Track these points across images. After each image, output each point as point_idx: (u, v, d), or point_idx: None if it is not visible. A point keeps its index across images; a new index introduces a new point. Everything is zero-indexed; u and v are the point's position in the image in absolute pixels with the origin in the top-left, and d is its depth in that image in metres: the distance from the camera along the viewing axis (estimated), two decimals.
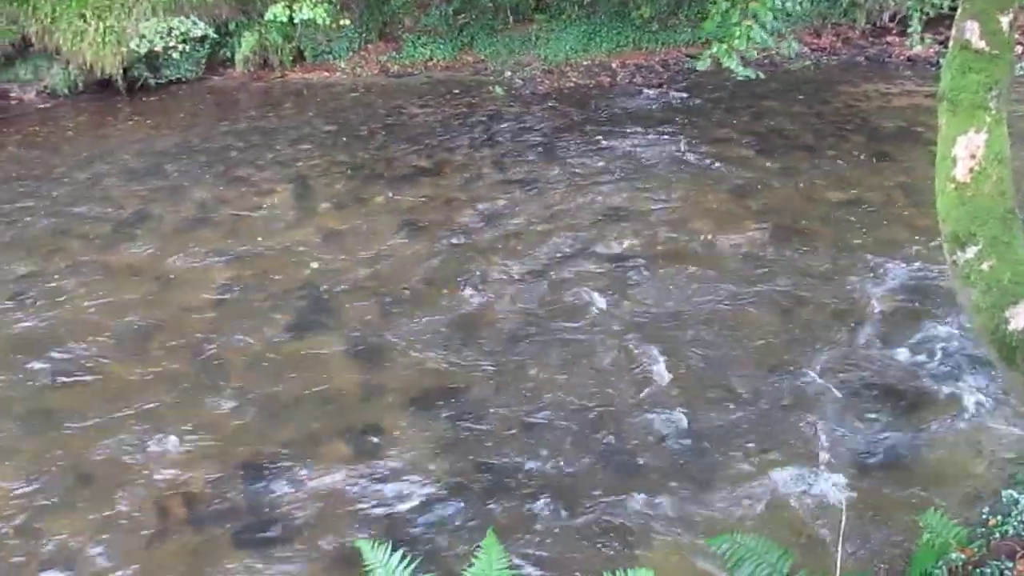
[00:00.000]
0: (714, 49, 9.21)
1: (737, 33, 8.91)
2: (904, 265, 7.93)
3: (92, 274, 8.47)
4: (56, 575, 5.00)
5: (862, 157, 10.66)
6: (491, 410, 6.29)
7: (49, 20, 13.88)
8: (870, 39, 15.99)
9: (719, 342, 6.98)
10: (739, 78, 10.30)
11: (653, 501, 5.38)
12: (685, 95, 13.63)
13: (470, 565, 3.24)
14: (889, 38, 15.80)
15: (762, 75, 9.56)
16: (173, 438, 6.11)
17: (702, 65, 9.59)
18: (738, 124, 12.08)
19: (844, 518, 4.09)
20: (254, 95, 14.89)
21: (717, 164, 10.61)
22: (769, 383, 6.45)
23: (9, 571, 5.02)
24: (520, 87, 14.60)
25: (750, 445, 5.82)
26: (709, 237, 8.71)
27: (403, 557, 3.16)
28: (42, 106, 14.36)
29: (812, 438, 5.86)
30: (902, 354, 6.73)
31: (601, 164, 10.81)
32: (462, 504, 5.41)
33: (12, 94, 14.46)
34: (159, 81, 14.93)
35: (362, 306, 7.73)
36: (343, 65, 15.99)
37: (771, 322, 7.23)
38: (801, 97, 13.18)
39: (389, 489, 5.56)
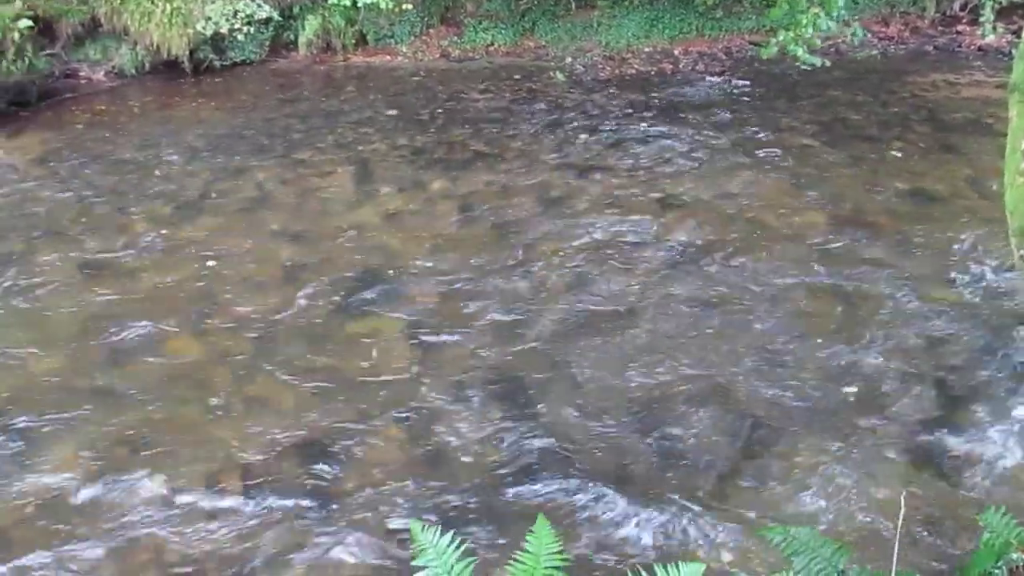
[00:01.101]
0: (780, 37, 9.10)
1: (804, 21, 8.78)
2: (969, 260, 7.77)
3: (155, 252, 8.62)
4: (116, 548, 5.10)
5: (928, 148, 10.46)
6: (546, 398, 6.29)
7: (118, 1, 14.09)
8: (939, 28, 15.65)
9: (777, 331, 6.91)
10: (804, 67, 10.17)
11: (709, 490, 5.35)
12: (748, 83, 13.46)
13: (521, 549, 3.24)
14: (959, 27, 15.44)
15: (828, 63, 9.42)
16: (231, 414, 6.20)
17: (767, 53, 9.48)
18: (801, 113, 11.91)
19: (902, 514, 4.02)
20: (316, 78, 15.01)
21: (779, 153, 10.48)
22: (826, 374, 6.37)
23: (70, 542, 5.13)
24: (581, 73, 14.54)
25: (805, 436, 5.76)
26: (770, 226, 8.61)
27: (453, 539, 3.17)
28: (110, 85, 14.60)
29: (869, 431, 5.77)
30: (965, 351, 6.60)
31: (662, 151, 10.73)
32: (515, 489, 5.42)
33: (81, 73, 14.73)
34: (224, 63, 15.12)
35: (420, 290, 7.77)
36: (405, 49, 16.04)
37: (830, 312, 7.13)
38: (867, 87, 12.96)
39: (442, 471, 5.59)
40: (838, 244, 8.18)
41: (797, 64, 10.11)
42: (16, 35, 12.83)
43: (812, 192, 9.34)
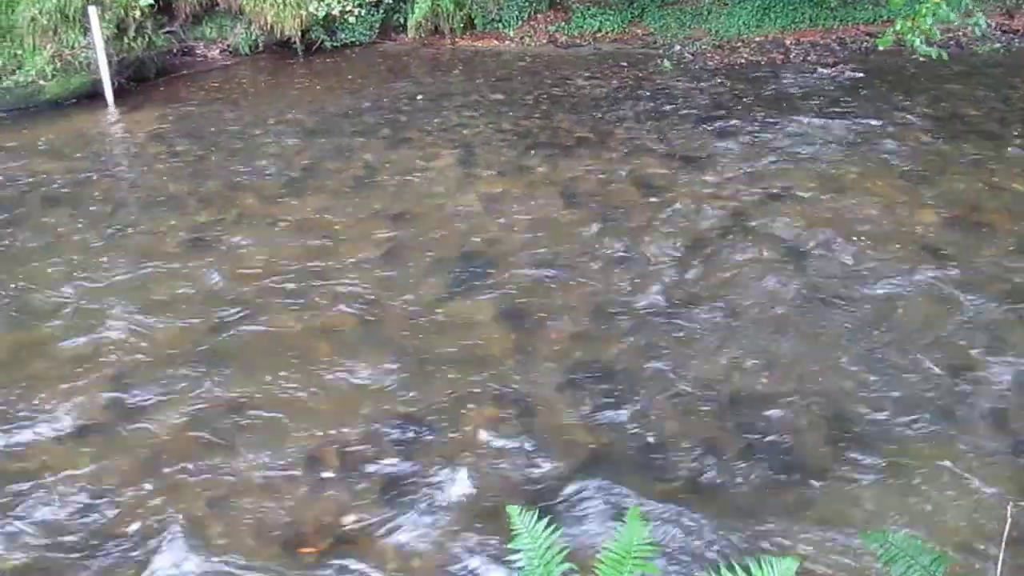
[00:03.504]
0: (898, 27, 8.82)
1: (923, 11, 8.49)
2: None
3: (262, 226, 8.83)
4: (214, 512, 5.25)
5: None
6: (641, 385, 6.24)
7: None
8: None
9: (881, 331, 6.72)
10: (921, 59, 9.86)
11: (804, 491, 5.25)
12: (861, 75, 13.14)
13: (612, 539, 3.23)
14: None
15: (946, 55, 9.12)
16: (330, 389, 6.31)
17: (884, 43, 9.19)
18: (916, 107, 11.57)
19: (1008, 525, 3.89)
20: (424, 61, 15.17)
21: (891, 147, 10.19)
22: (932, 380, 6.16)
23: (171, 506, 5.30)
24: (689, 62, 14.39)
25: (906, 439, 5.60)
26: (878, 222, 8.39)
27: (548, 524, 3.17)
28: (224, 63, 15.06)
29: (975, 437, 5.59)
30: None
31: (768, 143, 10.55)
32: (608, 477, 5.38)
33: (197, 51, 15.22)
34: (334, 44, 15.44)
35: (519, 273, 7.78)
36: (512, 34, 16.11)
37: (940, 316, 6.90)
38: (987, 81, 12.53)
39: (536, 456, 5.59)
40: (950, 243, 7.92)
41: (914, 56, 9.83)
42: (137, 13, 13.33)
43: (925, 189, 9.07)
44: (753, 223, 8.49)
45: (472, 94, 13.07)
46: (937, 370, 6.25)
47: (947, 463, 5.37)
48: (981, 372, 6.20)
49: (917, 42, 8.86)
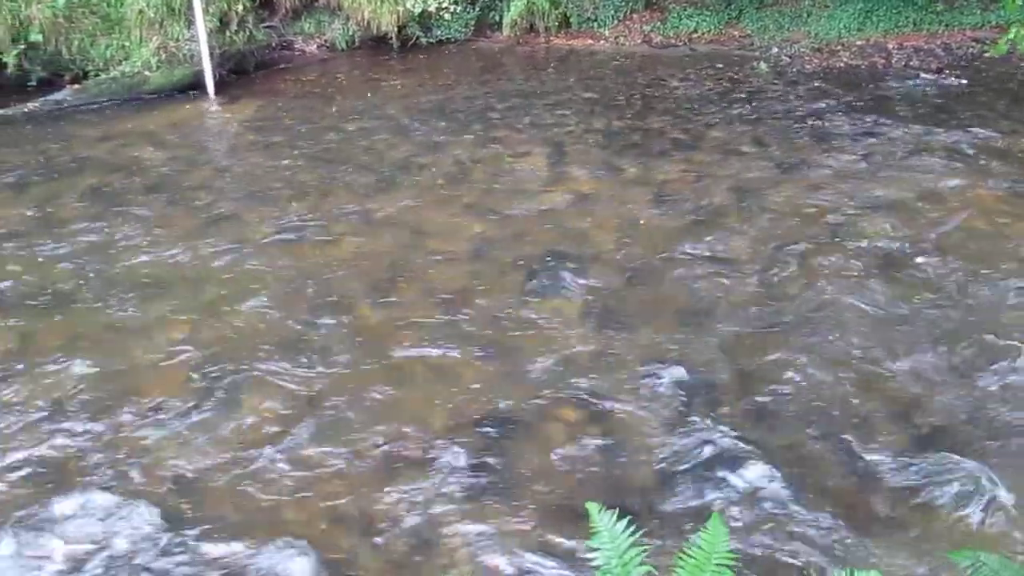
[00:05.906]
0: (1012, 34, 8.54)
1: None
2: None
3: (354, 220, 8.92)
4: (294, 501, 5.33)
5: None
6: (729, 394, 6.13)
7: None
8: None
9: (982, 345, 6.50)
10: None
11: (893, 503, 5.11)
12: (966, 82, 12.76)
13: (692, 544, 3.18)
14: None
15: None
16: (412, 383, 6.34)
17: (1000, 51, 8.91)
18: None
19: None
20: (518, 59, 15.21)
21: (997, 157, 9.86)
22: None
23: (260, 492, 5.38)
24: (786, 65, 14.16)
25: (1000, 457, 5.40)
26: (982, 234, 8.12)
27: (628, 525, 3.14)
28: (321, 58, 15.33)
29: None
30: None
31: (867, 150, 10.30)
32: (690, 482, 5.32)
33: (296, 46, 15.51)
34: (430, 40, 15.59)
35: (606, 273, 7.73)
36: (607, 33, 16.08)
37: None
38: None
39: (616, 459, 5.54)
40: None
41: (1023, 63, 9.49)
42: (240, 8, 13.65)
43: None
44: (849, 231, 8.30)
45: (564, 93, 13.05)
46: None
47: None
48: None
49: None
